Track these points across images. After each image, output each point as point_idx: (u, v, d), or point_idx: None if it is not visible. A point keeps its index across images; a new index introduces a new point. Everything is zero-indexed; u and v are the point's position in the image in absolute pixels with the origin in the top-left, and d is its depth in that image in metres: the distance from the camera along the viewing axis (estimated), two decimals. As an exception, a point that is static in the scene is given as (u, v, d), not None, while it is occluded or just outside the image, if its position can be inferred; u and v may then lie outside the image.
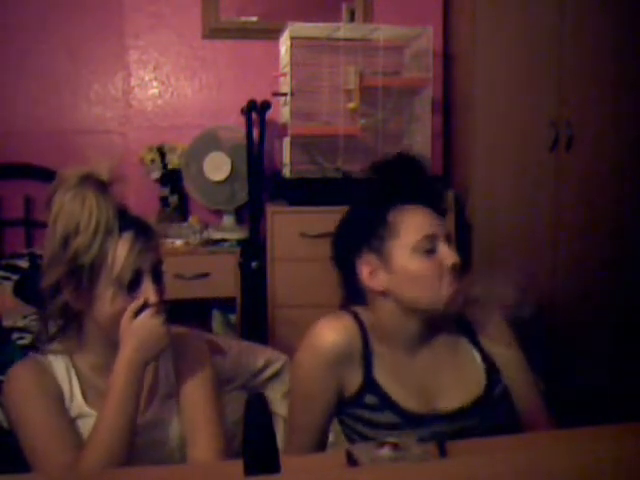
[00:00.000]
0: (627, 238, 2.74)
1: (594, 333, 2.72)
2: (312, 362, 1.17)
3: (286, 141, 2.65)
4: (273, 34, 2.78)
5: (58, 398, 1.11)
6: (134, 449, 1.08)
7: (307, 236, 2.50)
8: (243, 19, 2.90)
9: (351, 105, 2.73)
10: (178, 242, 2.60)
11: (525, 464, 0.83)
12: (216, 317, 2.77)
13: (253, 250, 2.53)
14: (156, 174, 2.76)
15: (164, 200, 2.80)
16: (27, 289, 2.22)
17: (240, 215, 2.81)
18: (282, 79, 2.74)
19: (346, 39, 2.69)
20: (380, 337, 1.19)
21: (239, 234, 2.67)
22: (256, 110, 2.51)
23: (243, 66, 2.91)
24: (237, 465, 0.80)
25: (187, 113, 2.90)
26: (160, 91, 2.88)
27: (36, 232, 2.74)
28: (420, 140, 2.75)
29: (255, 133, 2.53)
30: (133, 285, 1.10)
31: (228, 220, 2.80)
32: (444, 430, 1.13)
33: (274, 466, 0.79)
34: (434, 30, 2.71)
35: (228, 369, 1.49)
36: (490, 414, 1.17)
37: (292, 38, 2.60)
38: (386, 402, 1.15)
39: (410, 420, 1.14)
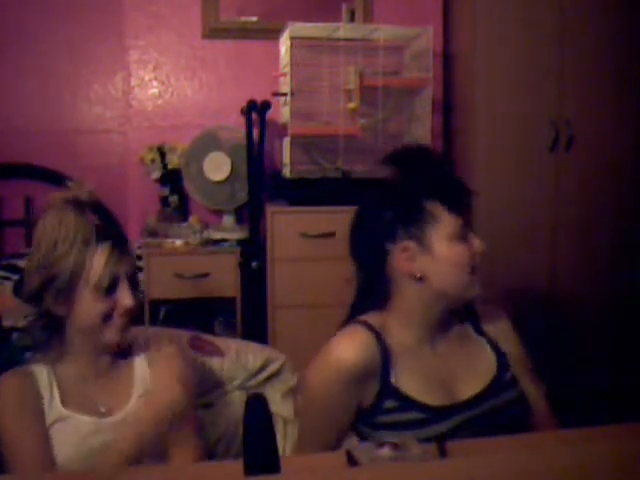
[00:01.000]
0: (627, 238, 2.74)
1: (594, 333, 2.72)
2: (330, 382, 1.14)
3: (286, 141, 2.65)
4: (273, 34, 2.78)
5: (36, 411, 1.19)
6: (106, 448, 1.16)
7: (307, 236, 2.50)
8: (243, 19, 2.91)
9: (351, 105, 2.73)
10: (178, 242, 2.60)
11: (525, 464, 0.83)
12: (216, 317, 2.77)
13: (253, 250, 2.53)
14: (156, 174, 2.76)
15: (164, 200, 2.80)
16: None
17: (240, 215, 2.81)
18: (282, 79, 2.74)
19: (346, 39, 2.69)
20: (395, 334, 1.19)
21: (239, 234, 2.67)
22: (256, 110, 2.51)
23: (243, 66, 2.91)
24: (237, 465, 0.80)
25: (187, 113, 2.90)
26: (160, 91, 2.88)
27: (36, 232, 2.74)
28: (420, 140, 2.75)
29: (255, 133, 2.53)
30: (110, 290, 1.20)
31: (228, 220, 2.80)
32: (465, 419, 1.14)
33: (274, 466, 0.79)
34: (434, 30, 2.71)
35: (227, 369, 1.49)
36: (502, 398, 1.19)
37: (292, 38, 2.60)
38: (407, 402, 1.14)
39: (434, 414, 1.14)
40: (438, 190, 1.18)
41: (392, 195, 1.20)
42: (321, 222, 2.50)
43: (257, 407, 0.81)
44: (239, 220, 2.82)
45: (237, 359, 1.51)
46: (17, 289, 2.26)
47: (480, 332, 1.27)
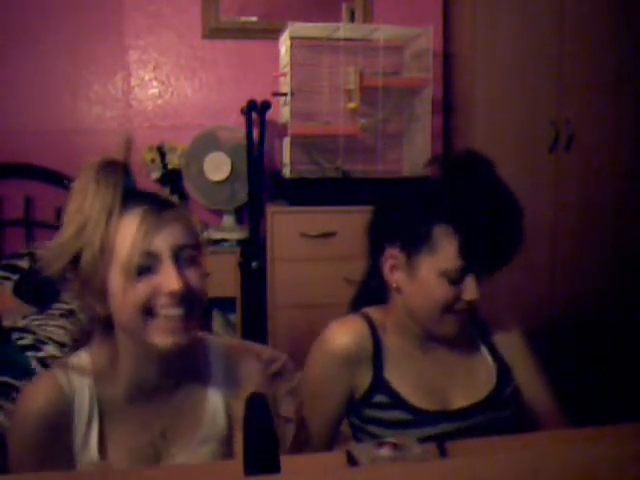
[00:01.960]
0: (627, 238, 2.74)
1: (594, 333, 2.72)
2: (324, 364, 1.18)
3: (286, 141, 2.65)
4: (273, 34, 2.78)
5: (62, 447, 0.94)
6: None
7: (307, 236, 2.50)
8: (243, 19, 2.90)
9: (351, 105, 2.73)
10: (178, 242, 2.59)
11: (525, 464, 0.83)
12: (216, 317, 2.77)
13: (253, 250, 2.53)
14: (156, 174, 2.76)
15: (164, 200, 2.80)
16: (27, 289, 2.22)
17: (240, 215, 2.81)
18: (282, 79, 2.74)
19: (346, 39, 2.69)
20: (393, 334, 1.20)
21: (239, 234, 2.67)
22: (256, 110, 2.51)
23: (243, 66, 2.91)
24: (237, 465, 0.80)
25: (187, 113, 2.90)
26: (160, 91, 2.88)
27: (36, 232, 2.74)
28: (420, 140, 2.75)
29: (255, 133, 2.53)
30: (146, 271, 0.92)
31: (228, 220, 2.80)
32: (452, 428, 1.14)
33: (274, 466, 0.79)
34: (434, 30, 2.71)
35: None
36: (497, 415, 1.17)
37: (292, 38, 2.60)
38: (396, 400, 1.15)
39: (420, 418, 1.14)
40: (463, 230, 1.08)
41: (410, 205, 1.14)
42: (321, 222, 2.50)
43: (257, 407, 0.81)
44: (239, 220, 2.82)
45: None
46: (17, 289, 2.26)
47: (487, 342, 1.25)
